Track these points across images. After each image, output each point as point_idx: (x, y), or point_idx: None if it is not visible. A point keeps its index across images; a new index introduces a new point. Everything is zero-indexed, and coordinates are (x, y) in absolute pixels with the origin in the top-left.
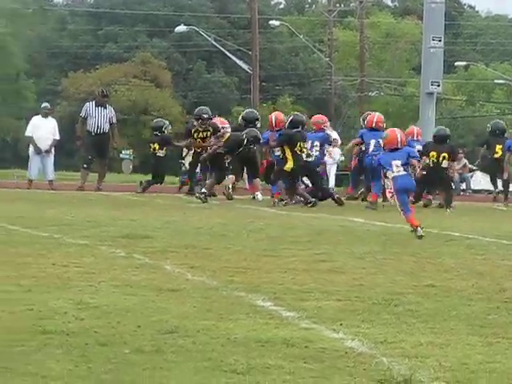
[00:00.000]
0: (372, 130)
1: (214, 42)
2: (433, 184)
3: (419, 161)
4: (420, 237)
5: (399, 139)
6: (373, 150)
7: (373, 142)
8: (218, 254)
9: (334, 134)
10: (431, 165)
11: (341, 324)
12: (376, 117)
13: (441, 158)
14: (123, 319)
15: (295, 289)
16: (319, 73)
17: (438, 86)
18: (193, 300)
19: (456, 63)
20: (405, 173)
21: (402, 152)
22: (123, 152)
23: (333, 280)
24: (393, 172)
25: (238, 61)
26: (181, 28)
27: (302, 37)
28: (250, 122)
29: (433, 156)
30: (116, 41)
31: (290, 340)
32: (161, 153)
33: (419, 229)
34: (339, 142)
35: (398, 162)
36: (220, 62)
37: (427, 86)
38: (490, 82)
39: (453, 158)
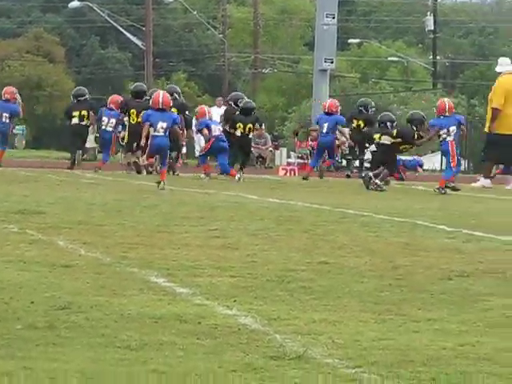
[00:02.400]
0: (327, 114)
1: (108, 18)
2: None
3: None
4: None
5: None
6: (326, 132)
7: (326, 124)
8: (111, 230)
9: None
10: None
11: (234, 300)
12: (328, 102)
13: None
14: (16, 295)
15: (188, 265)
16: (213, 49)
17: (332, 62)
18: (86, 276)
19: (350, 40)
20: None
21: None
22: (16, 127)
23: (226, 256)
24: None
25: (131, 37)
26: (74, 3)
27: (195, 13)
28: (137, 95)
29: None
30: (9, 16)
31: (183, 316)
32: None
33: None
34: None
35: None
36: (114, 37)
37: (321, 63)
38: (384, 60)
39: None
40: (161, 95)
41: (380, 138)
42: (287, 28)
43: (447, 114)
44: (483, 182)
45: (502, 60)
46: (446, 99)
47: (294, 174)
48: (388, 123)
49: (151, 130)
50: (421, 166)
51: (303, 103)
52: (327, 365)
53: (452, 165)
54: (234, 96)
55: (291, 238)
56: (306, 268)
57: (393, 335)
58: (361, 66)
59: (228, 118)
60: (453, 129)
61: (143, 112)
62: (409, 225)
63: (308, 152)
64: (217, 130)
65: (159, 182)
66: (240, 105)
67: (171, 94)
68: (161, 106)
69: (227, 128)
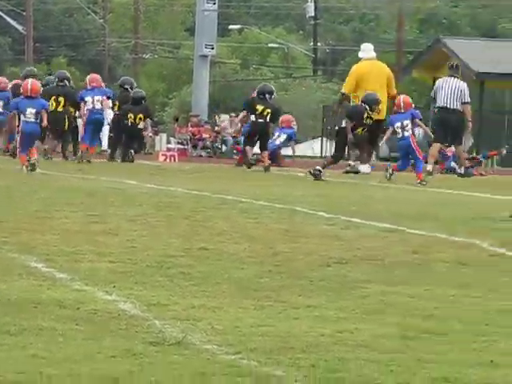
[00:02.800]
0: None
1: None
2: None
3: None
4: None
5: None
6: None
7: (284, 136)
8: None
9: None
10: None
11: (113, 286)
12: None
13: None
14: None
15: (68, 250)
16: (93, 34)
17: (212, 48)
18: None
19: (230, 26)
20: None
21: None
22: None
23: (106, 242)
24: None
25: (11, 21)
26: None
27: None
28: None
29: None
30: None
31: (63, 301)
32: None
33: None
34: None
35: None
36: None
37: (201, 49)
38: (265, 46)
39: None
40: (29, 83)
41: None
42: (168, 13)
43: (402, 110)
44: (363, 168)
45: (364, 46)
46: (402, 96)
47: (174, 160)
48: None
49: (22, 116)
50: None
51: (183, 89)
52: (206, 351)
53: (420, 157)
54: (125, 80)
55: (171, 224)
56: (186, 254)
57: (272, 322)
58: (241, 52)
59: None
60: (406, 123)
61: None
62: (288, 211)
63: (188, 138)
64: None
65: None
66: (130, 94)
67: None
68: (29, 94)
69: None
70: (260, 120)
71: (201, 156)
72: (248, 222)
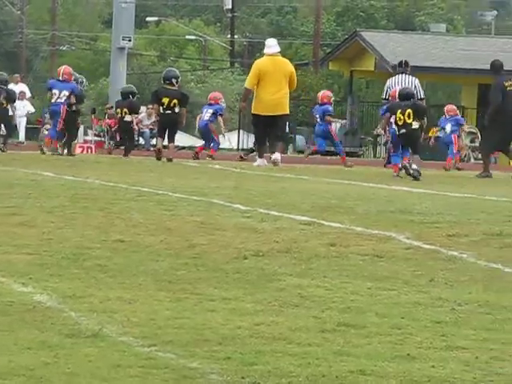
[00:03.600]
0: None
1: None
2: None
3: None
4: None
5: None
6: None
7: (210, 110)
8: None
9: (22, 87)
10: None
11: (30, 278)
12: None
13: None
14: None
15: None
16: (11, 26)
17: (130, 41)
18: None
19: (147, 18)
20: None
21: None
22: None
23: (23, 234)
24: None
25: None
26: None
27: None
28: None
29: None
30: None
31: None
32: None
33: None
34: (28, 94)
35: None
36: None
37: (118, 41)
38: (182, 38)
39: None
40: None
41: None
42: (85, 6)
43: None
44: (259, 161)
45: (268, 41)
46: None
47: (91, 152)
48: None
49: None
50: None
51: (100, 81)
52: (122, 343)
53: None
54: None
55: (87, 216)
56: (102, 246)
57: (188, 314)
58: (159, 44)
59: None
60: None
61: None
62: (205, 203)
63: (105, 130)
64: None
65: None
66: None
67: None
68: None
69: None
70: (168, 111)
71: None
72: (164, 214)
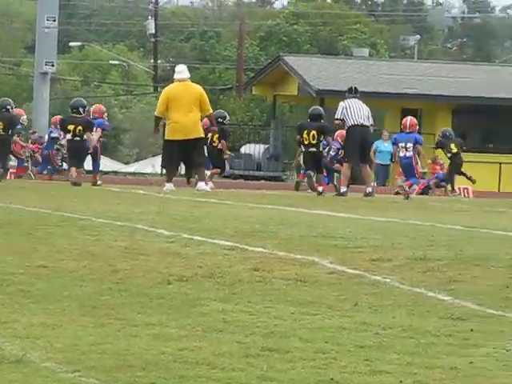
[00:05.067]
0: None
1: None
2: None
3: None
4: None
5: None
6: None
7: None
8: None
9: None
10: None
11: None
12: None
13: None
14: None
15: None
16: None
17: (53, 65)
18: None
19: (71, 43)
20: None
21: None
22: None
23: None
24: None
25: None
26: None
27: None
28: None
29: None
30: None
31: None
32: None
33: None
34: None
35: None
36: None
37: (41, 66)
38: (105, 63)
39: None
40: None
41: None
42: (7, 31)
43: (407, 130)
44: (167, 186)
45: (177, 67)
46: (409, 117)
47: (14, 177)
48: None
49: None
50: None
51: (24, 106)
52: (46, 368)
53: (417, 176)
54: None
55: (10, 242)
56: (25, 271)
57: (112, 339)
58: (82, 69)
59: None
60: (409, 145)
61: None
62: (129, 229)
63: (28, 155)
64: None
65: None
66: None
67: (4, 107)
68: None
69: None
70: (75, 138)
71: (41, 173)
72: (88, 240)
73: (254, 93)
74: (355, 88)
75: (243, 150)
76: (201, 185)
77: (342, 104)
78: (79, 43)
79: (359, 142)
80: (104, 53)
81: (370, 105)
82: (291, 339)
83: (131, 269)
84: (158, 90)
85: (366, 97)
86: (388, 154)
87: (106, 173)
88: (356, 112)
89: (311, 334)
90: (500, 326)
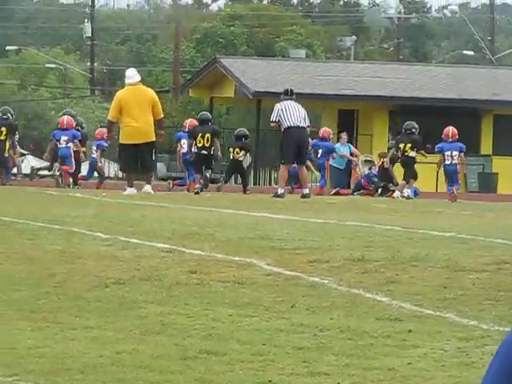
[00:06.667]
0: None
1: None
2: None
3: None
4: None
5: None
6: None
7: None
8: None
9: None
10: None
11: None
12: (188, 121)
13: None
14: None
15: None
16: None
17: None
18: None
19: (7, 47)
20: None
21: None
22: None
23: None
24: None
25: None
26: None
27: None
28: None
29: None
30: None
31: None
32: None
33: None
34: None
35: None
36: None
37: None
38: (42, 67)
39: None
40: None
41: None
42: None
43: (450, 139)
44: (129, 190)
45: (128, 72)
46: (450, 127)
47: None
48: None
49: None
50: None
51: None
52: None
53: (459, 181)
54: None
55: None
56: None
57: (49, 343)
58: (19, 73)
59: None
60: (455, 153)
61: None
62: (65, 232)
63: None
64: None
65: None
66: None
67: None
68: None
69: None
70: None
71: None
72: (25, 243)
73: (190, 95)
74: (291, 90)
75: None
76: (147, 188)
77: (277, 106)
78: (16, 47)
79: (295, 143)
80: (41, 56)
81: (307, 106)
82: (229, 341)
83: (68, 272)
84: (95, 92)
85: (303, 98)
86: (343, 159)
87: (44, 176)
88: (292, 114)
89: (249, 336)
90: (438, 327)
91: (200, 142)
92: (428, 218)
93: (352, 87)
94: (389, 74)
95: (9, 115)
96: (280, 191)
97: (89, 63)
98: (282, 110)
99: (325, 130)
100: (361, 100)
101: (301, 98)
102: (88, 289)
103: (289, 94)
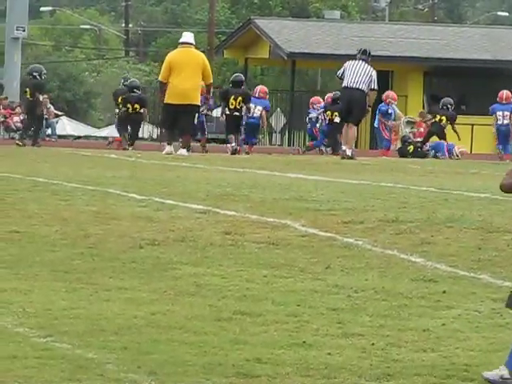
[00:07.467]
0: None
1: None
2: None
3: None
4: None
5: None
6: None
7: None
8: None
9: None
10: None
11: None
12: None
13: None
14: None
15: None
16: None
17: (24, 31)
18: None
19: (42, 8)
20: None
21: None
22: None
23: None
24: None
25: None
26: None
27: None
28: None
29: None
30: None
31: None
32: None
33: None
34: None
35: None
36: None
37: (12, 31)
38: (77, 28)
39: None
40: None
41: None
42: None
43: (504, 101)
44: (167, 149)
45: (184, 33)
46: (505, 90)
47: None
48: None
49: None
50: None
51: None
52: (18, 334)
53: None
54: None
55: None
56: None
57: (84, 304)
58: (54, 34)
59: None
60: (506, 114)
61: None
62: (100, 193)
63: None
64: None
65: None
66: None
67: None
68: None
69: None
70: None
71: (13, 138)
72: (59, 204)
73: (225, 56)
74: (363, 50)
75: (215, 113)
76: (182, 151)
77: (345, 64)
78: (50, 8)
79: (346, 104)
80: (75, 17)
81: (342, 67)
82: (263, 302)
83: (103, 233)
84: (130, 54)
85: (338, 59)
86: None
87: (79, 137)
88: (349, 74)
89: (283, 297)
90: (472, 288)
91: (232, 104)
92: (463, 178)
93: (387, 48)
94: (423, 35)
95: (35, 74)
96: (349, 152)
97: (123, 24)
98: (345, 68)
99: (387, 95)
100: (395, 61)
101: (335, 58)
102: (123, 250)
103: (365, 54)
